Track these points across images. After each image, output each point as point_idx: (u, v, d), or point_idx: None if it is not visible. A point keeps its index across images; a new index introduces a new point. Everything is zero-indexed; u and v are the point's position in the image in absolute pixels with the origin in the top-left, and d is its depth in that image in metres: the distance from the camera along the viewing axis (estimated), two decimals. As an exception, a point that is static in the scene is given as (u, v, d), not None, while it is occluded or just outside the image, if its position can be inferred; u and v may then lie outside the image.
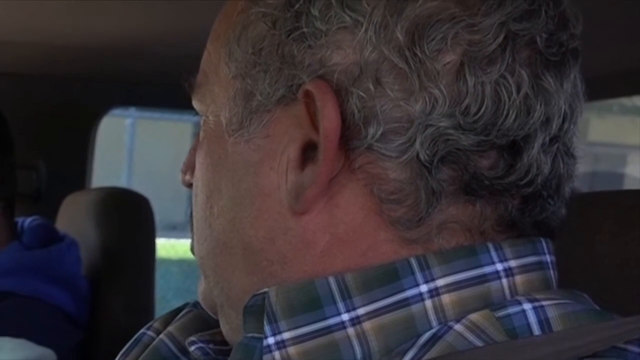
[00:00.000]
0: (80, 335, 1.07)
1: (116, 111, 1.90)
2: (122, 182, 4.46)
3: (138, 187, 1.45)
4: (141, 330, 0.53)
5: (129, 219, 1.20)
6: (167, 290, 4.40)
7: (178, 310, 0.53)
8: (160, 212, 1.27)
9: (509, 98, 0.35)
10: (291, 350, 0.36)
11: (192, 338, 0.46)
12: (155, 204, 1.24)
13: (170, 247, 4.53)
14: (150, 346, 0.50)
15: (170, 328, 0.51)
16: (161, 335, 0.51)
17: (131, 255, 1.18)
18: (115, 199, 1.20)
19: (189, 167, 0.46)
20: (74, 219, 1.23)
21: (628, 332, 0.34)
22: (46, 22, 1.08)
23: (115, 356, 0.53)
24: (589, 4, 0.85)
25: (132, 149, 4.55)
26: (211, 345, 0.45)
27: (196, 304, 0.51)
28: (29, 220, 1.16)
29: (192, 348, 0.46)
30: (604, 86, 1.33)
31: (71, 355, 1.04)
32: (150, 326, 0.53)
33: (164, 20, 1.01)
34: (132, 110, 4.13)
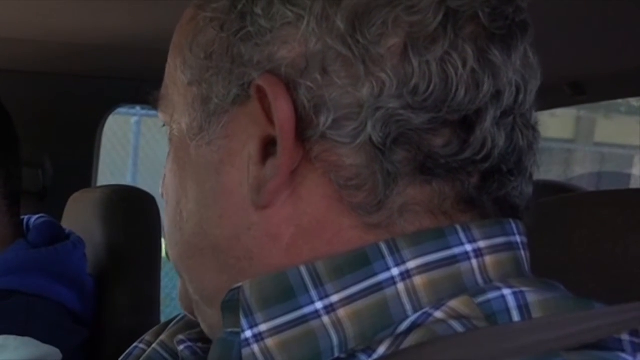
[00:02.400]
0: (85, 333, 1.07)
1: (122, 109, 1.91)
2: (127, 180, 4.45)
3: (143, 185, 1.45)
4: (133, 345, 0.54)
5: (135, 216, 1.20)
6: (172, 288, 4.40)
7: (169, 322, 0.54)
8: (166, 211, 1.27)
9: (456, 74, 0.35)
10: (269, 342, 0.36)
11: (181, 337, 0.47)
12: (160, 202, 1.24)
13: (176, 246, 4.53)
14: (143, 357, 0.51)
15: (162, 337, 0.52)
16: (154, 345, 0.51)
17: (137, 253, 1.18)
18: (122, 197, 1.20)
19: None
20: (80, 216, 1.23)
21: (622, 322, 0.34)
22: (52, 20, 1.08)
23: (120, 355, 0.54)
24: (596, 4, 0.84)
25: (138, 147, 4.55)
26: (199, 344, 0.46)
27: None
28: (34, 217, 1.16)
29: (180, 347, 0.46)
30: (612, 86, 1.32)
31: (76, 354, 1.04)
32: (142, 340, 0.54)
33: (170, 18, 1.00)
34: (138, 109, 4.13)
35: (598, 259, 0.54)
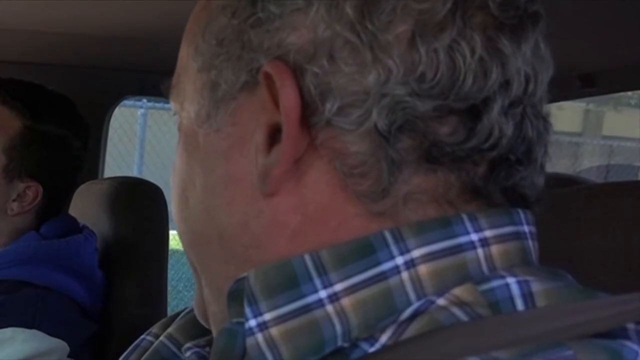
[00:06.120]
0: (93, 327, 1.07)
1: (128, 102, 1.91)
2: (133, 172, 4.47)
3: (149, 177, 1.45)
4: (141, 337, 0.54)
5: (142, 208, 1.20)
6: (178, 281, 4.42)
7: (176, 314, 0.54)
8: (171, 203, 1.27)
9: (464, 62, 0.35)
10: (273, 331, 0.36)
11: (188, 345, 0.46)
12: (166, 194, 1.24)
13: (182, 238, 4.55)
14: (150, 349, 0.51)
15: (169, 330, 0.51)
16: (161, 338, 0.51)
17: (144, 245, 1.18)
18: (129, 189, 1.20)
19: None
20: (87, 208, 1.23)
21: (627, 312, 0.33)
22: (58, 11, 1.08)
23: (126, 347, 0.54)
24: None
25: (144, 139, 4.56)
26: (207, 349, 0.46)
27: None
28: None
29: (187, 354, 0.46)
30: (622, 79, 1.31)
31: (83, 347, 1.04)
32: (150, 332, 0.54)
33: (176, 9, 1.00)
34: (144, 101, 4.14)
35: (609, 251, 0.53)
